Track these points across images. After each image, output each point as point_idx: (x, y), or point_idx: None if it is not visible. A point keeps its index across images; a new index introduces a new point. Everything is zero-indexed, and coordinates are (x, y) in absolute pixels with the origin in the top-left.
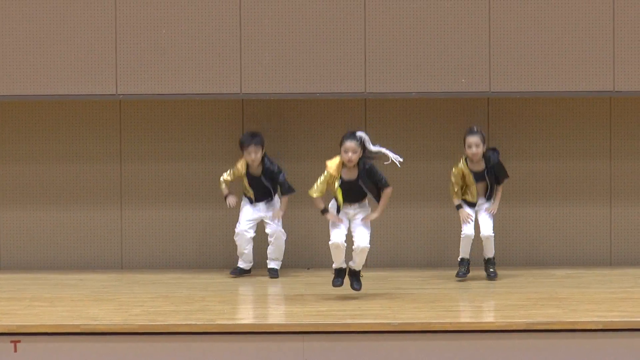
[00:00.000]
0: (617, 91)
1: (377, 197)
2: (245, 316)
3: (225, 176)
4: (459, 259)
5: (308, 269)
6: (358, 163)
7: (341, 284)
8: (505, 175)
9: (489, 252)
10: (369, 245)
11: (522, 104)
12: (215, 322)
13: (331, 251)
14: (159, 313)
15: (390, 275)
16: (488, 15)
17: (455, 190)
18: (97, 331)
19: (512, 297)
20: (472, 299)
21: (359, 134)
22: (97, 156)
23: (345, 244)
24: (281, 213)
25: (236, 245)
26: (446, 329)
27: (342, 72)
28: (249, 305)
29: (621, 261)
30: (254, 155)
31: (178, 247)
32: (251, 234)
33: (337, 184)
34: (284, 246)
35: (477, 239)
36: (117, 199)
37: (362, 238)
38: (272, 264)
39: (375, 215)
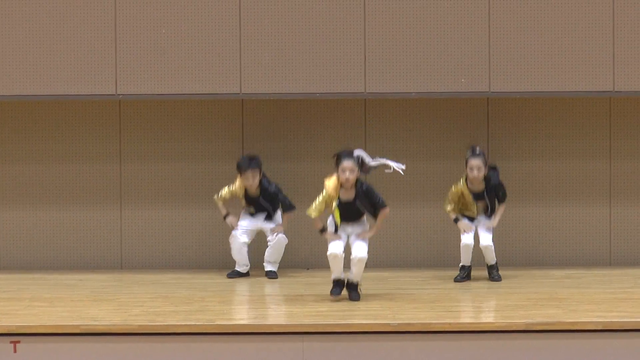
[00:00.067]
0: (616, 91)
1: (375, 215)
2: (245, 316)
3: (223, 193)
4: (459, 265)
5: (307, 269)
6: (355, 183)
7: (339, 294)
8: (505, 196)
9: (490, 260)
10: (367, 256)
11: (522, 104)
12: (215, 323)
13: (329, 262)
14: (158, 313)
15: (390, 275)
16: (488, 15)
17: (448, 209)
18: (96, 331)
19: (511, 297)
20: (472, 299)
21: (357, 153)
22: (96, 156)
23: (344, 255)
24: (282, 229)
25: None
26: (446, 330)
27: (341, 72)
28: (248, 306)
29: (621, 261)
30: (251, 180)
31: (178, 247)
32: (244, 239)
33: (334, 204)
34: (283, 250)
35: (478, 246)
36: (116, 199)
37: (360, 249)
38: (269, 267)
39: (370, 233)
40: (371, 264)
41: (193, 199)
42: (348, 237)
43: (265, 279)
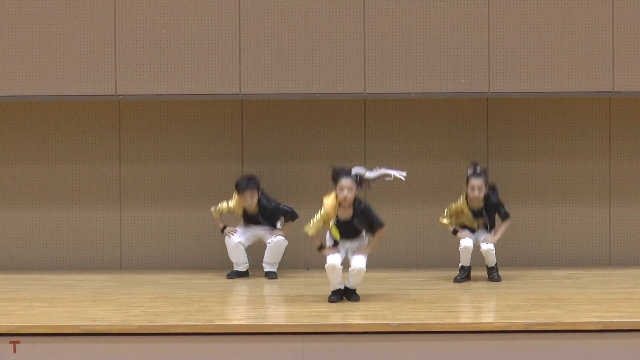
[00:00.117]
0: (616, 91)
1: (372, 232)
2: (245, 317)
3: (220, 207)
4: (459, 265)
5: (307, 269)
6: (354, 202)
7: (337, 301)
8: (507, 214)
9: (491, 262)
10: (365, 268)
11: (522, 104)
12: (214, 323)
13: (327, 273)
14: (158, 314)
15: (390, 275)
16: (487, 15)
17: (445, 222)
18: (96, 332)
19: (511, 297)
20: (472, 299)
21: (355, 171)
22: (96, 157)
23: (342, 267)
24: (281, 232)
25: None
26: (445, 330)
27: (341, 72)
28: (248, 306)
29: (620, 262)
30: (250, 200)
31: (177, 247)
32: (238, 239)
33: (332, 223)
34: (282, 252)
35: (478, 248)
36: (116, 200)
37: (359, 261)
38: (268, 267)
39: (367, 251)
40: (371, 264)
41: (193, 199)
42: (347, 252)
43: (265, 279)
